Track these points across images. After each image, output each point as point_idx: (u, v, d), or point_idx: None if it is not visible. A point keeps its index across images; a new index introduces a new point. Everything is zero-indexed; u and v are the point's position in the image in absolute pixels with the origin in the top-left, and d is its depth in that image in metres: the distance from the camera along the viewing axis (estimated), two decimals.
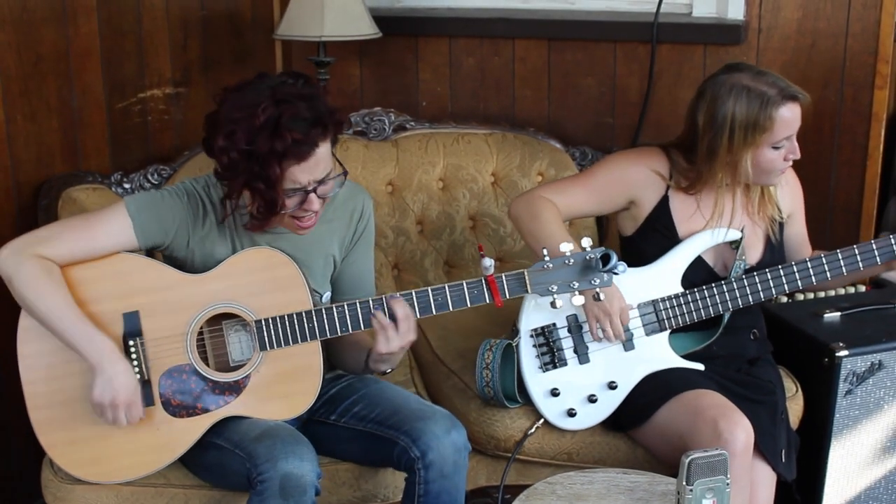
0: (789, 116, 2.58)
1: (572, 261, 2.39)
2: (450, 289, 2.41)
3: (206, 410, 2.41)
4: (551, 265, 2.39)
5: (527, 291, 2.41)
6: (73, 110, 3.06)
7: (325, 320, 2.40)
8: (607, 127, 3.65)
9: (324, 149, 2.31)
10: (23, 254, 2.32)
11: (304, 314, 2.40)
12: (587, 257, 2.38)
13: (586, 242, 2.39)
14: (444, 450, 2.38)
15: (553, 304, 2.40)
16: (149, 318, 2.40)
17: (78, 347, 2.32)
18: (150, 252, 2.48)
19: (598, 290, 2.41)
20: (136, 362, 2.38)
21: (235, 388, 2.42)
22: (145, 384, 2.39)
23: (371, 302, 2.40)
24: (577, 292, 2.40)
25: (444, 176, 3.44)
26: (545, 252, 2.40)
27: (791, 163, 2.67)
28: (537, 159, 3.45)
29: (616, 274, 2.40)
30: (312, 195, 2.33)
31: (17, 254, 2.33)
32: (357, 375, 2.65)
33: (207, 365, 2.43)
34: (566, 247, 2.39)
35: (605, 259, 2.35)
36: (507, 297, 2.41)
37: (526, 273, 2.40)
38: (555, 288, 2.39)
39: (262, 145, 2.24)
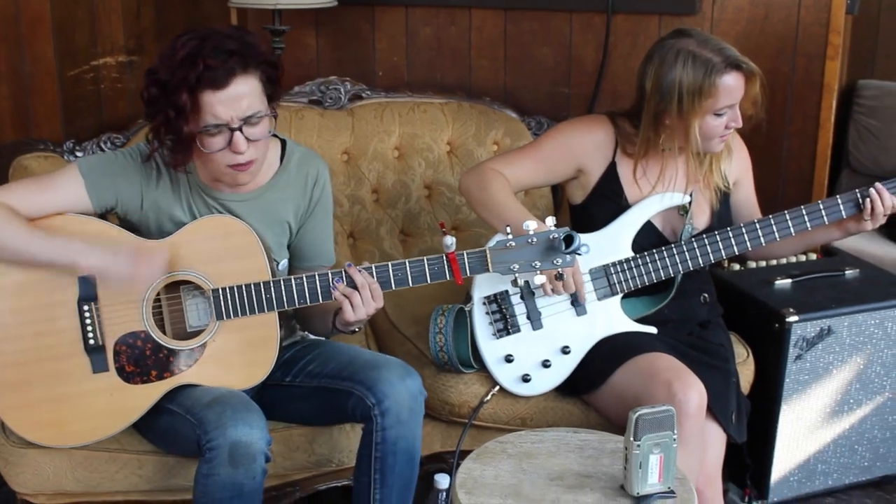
0: (732, 85, 2.60)
1: (535, 240, 2.37)
2: (410, 265, 2.40)
3: (160, 377, 2.41)
4: (514, 244, 2.37)
5: (488, 270, 2.40)
6: (23, 77, 3.03)
7: (283, 291, 2.39)
8: (563, 97, 3.66)
9: (245, 84, 2.28)
10: None
11: (262, 285, 2.39)
12: (550, 237, 2.36)
13: (550, 221, 2.38)
14: (399, 396, 2.39)
15: (514, 283, 2.40)
16: (104, 283, 2.38)
17: (57, 261, 2.33)
18: (105, 216, 2.46)
19: (559, 270, 2.41)
20: (90, 327, 2.37)
21: (190, 357, 2.41)
22: (99, 349, 2.38)
23: (330, 274, 2.39)
24: (538, 272, 2.39)
25: (399, 145, 3.44)
26: (508, 229, 2.39)
27: (731, 131, 2.70)
28: (493, 128, 3.46)
29: (579, 255, 2.39)
30: (238, 134, 2.30)
31: None
32: (312, 340, 2.66)
33: (164, 332, 2.42)
34: (530, 225, 2.38)
35: (569, 240, 2.33)
36: (468, 275, 2.41)
37: (488, 251, 2.39)
38: (516, 267, 2.38)
39: (177, 75, 2.24)
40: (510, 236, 2.38)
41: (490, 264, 2.39)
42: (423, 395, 2.46)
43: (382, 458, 2.42)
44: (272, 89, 2.37)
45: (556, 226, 2.38)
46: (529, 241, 2.37)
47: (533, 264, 2.38)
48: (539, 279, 2.39)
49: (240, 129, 2.30)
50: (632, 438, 2.05)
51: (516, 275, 2.38)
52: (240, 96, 2.28)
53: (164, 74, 2.27)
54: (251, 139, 2.32)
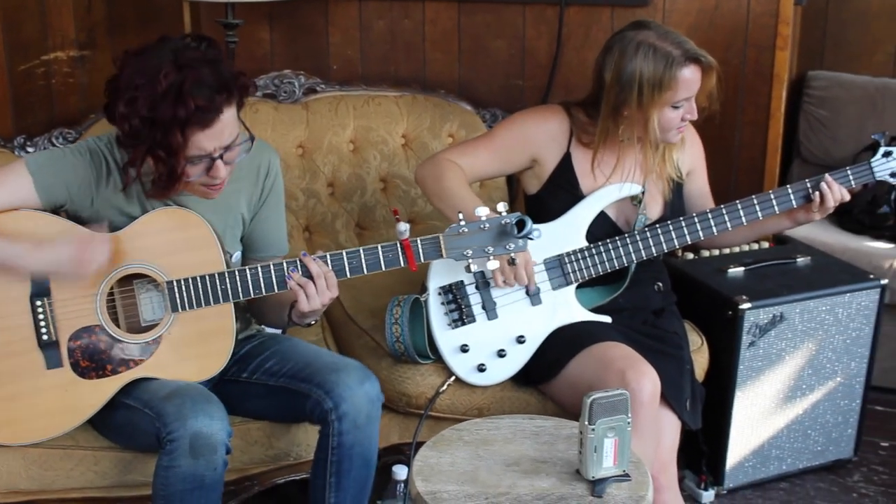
0: (690, 77, 2.63)
1: (487, 226, 2.39)
2: (364, 252, 2.41)
3: (115, 372, 2.39)
4: (466, 230, 2.39)
5: (442, 256, 2.41)
6: None
7: (238, 282, 2.39)
8: (517, 89, 3.67)
9: (229, 114, 2.28)
10: None
11: (216, 276, 2.39)
12: (503, 222, 2.38)
13: (502, 207, 2.40)
14: (357, 401, 2.40)
15: (468, 269, 2.41)
16: (57, 279, 2.36)
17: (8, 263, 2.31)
18: (55, 212, 2.44)
19: (512, 255, 2.42)
20: (43, 323, 2.35)
21: (146, 350, 2.40)
22: (53, 345, 2.36)
23: (285, 264, 2.39)
24: (491, 257, 2.41)
25: (354, 138, 3.44)
26: (461, 216, 2.41)
27: (687, 122, 2.73)
28: (448, 121, 3.47)
29: (531, 239, 2.41)
30: (219, 162, 2.30)
31: None
32: (269, 334, 2.66)
33: (118, 326, 2.41)
34: (482, 211, 2.40)
35: (521, 225, 2.35)
36: (423, 261, 2.42)
37: (441, 237, 2.40)
38: (469, 252, 2.39)
39: (164, 112, 2.20)
40: (463, 223, 2.39)
41: (444, 250, 2.40)
42: (381, 399, 2.47)
43: (338, 461, 2.43)
44: (241, 105, 2.37)
45: (507, 212, 2.39)
46: (482, 226, 2.39)
47: (486, 249, 2.40)
48: (492, 265, 2.41)
49: (220, 157, 2.30)
50: (586, 423, 2.07)
51: (470, 260, 2.40)
52: (224, 128, 2.28)
53: (145, 107, 2.21)
54: (229, 163, 2.33)
